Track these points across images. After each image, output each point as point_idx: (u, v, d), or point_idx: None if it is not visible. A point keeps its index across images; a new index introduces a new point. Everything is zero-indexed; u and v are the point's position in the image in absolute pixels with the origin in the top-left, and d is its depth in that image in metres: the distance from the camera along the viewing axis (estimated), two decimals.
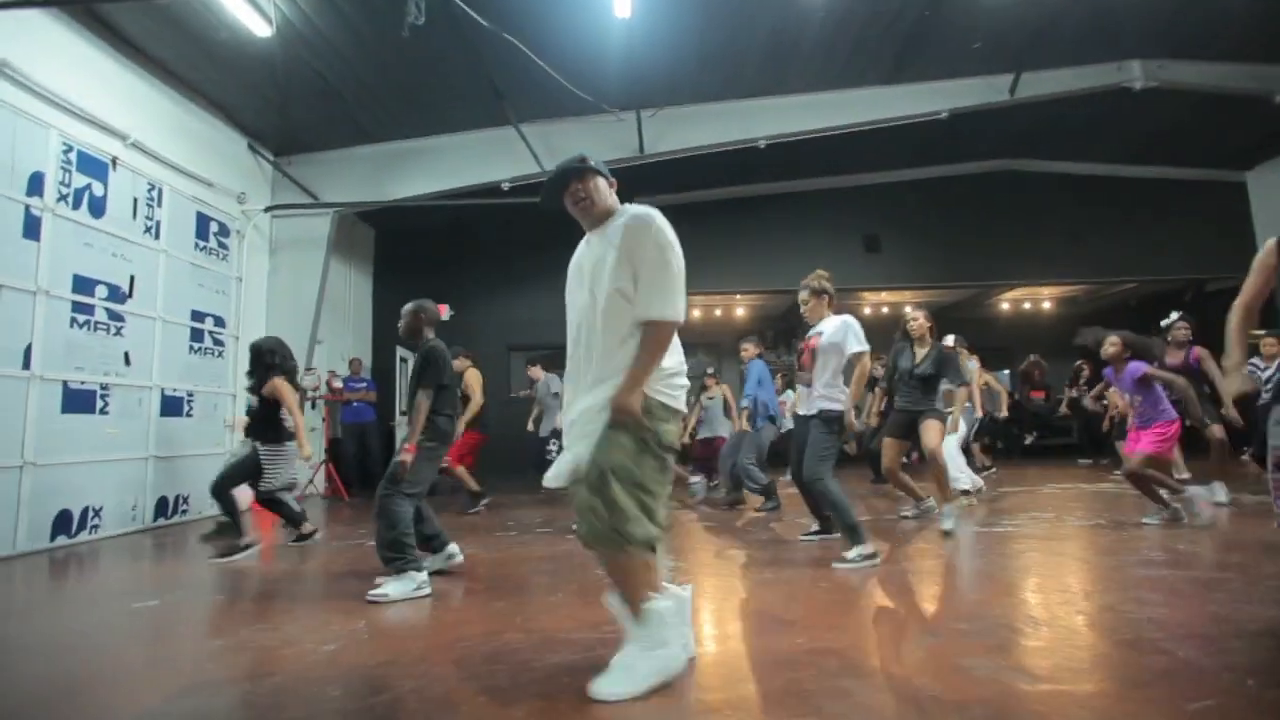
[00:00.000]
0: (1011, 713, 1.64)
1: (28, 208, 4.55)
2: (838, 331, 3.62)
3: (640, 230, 1.88)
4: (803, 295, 3.83)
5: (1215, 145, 8.95)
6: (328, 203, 7.55)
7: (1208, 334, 5.92)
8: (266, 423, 4.24)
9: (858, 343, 3.59)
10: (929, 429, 4.38)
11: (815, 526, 4.07)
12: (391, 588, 2.92)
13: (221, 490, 4.10)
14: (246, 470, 4.18)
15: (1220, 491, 4.61)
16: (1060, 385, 9.97)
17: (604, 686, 1.78)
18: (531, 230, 9.65)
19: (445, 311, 10.09)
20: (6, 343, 4.38)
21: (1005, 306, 11.90)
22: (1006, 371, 12.47)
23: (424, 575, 3.01)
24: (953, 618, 2.50)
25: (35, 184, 4.61)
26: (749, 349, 5.91)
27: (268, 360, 4.27)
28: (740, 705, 1.74)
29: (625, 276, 1.88)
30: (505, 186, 7.57)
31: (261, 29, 5.26)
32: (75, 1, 4.46)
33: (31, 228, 4.58)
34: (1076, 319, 12.62)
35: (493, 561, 3.77)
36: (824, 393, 3.59)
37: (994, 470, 7.46)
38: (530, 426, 7.01)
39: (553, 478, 1.93)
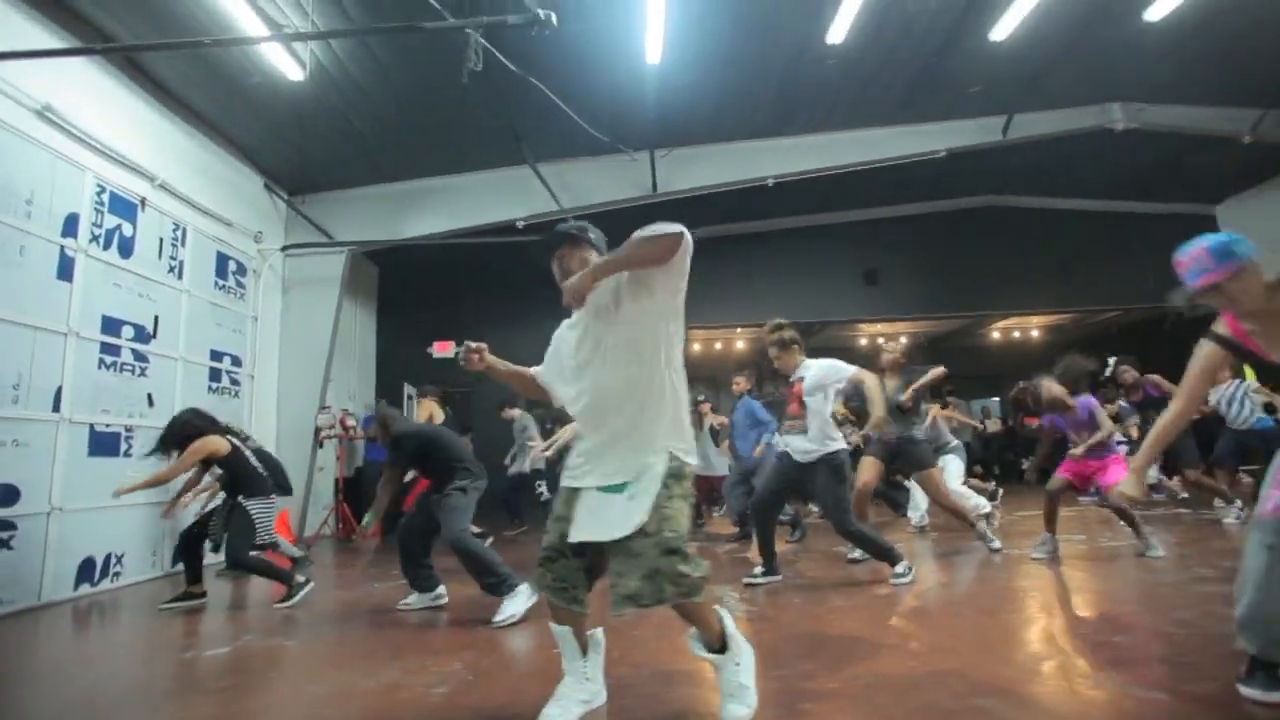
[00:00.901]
0: None
1: (63, 249, 4.50)
2: (820, 372, 3.63)
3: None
4: (771, 351, 3.78)
5: (1188, 181, 9.49)
6: (343, 241, 7.56)
7: (1186, 360, 6.29)
8: (239, 479, 4.08)
9: (845, 368, 3.62)
10: (928, 482, 4.39)
11: (760, 569, 3.87)
12: (513, 606, 3.08)
13: (240, 560, 3.96)
14: (245, 530, 4.00)
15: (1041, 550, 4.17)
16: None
17: (738, 711, 1.83)
18: (543, 269, 9.73)
19: (450, 348, 10.09)
20: (38, 385, 4.28)
21: (996, 335, 12.29)
22: (996, 399, 12.83)
23: (525, 585, 3.15)
24: (1048, 634, 2.57)
25: (70, 225, 4.57)
26: (741, 382, 6.02)
27: (187, 431, 4.03)
28: None
29: (627, 291, 1.86)
30: (520, 225, 7.68)
31: (294, 73, 5.33)
32: (121, 49, 4.49)
33: (65, 269, 4.52)
34: (1062, 345, 13.07)
35: None
36: (820, 438, 3.60)
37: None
38: (507, 462, 7.30)
39: (598, 530, 1.83)
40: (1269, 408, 5.09)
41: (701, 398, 6.91)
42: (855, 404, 5.84)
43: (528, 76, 5.41)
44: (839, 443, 3.63)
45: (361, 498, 7.74)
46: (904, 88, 7.01)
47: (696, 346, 11.77)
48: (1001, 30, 5.45)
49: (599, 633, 2.07)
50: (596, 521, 1.85)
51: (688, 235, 1.78)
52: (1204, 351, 2.05)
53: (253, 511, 4.05)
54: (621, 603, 1.77)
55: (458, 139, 7.12)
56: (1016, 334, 12.25)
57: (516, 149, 7.03)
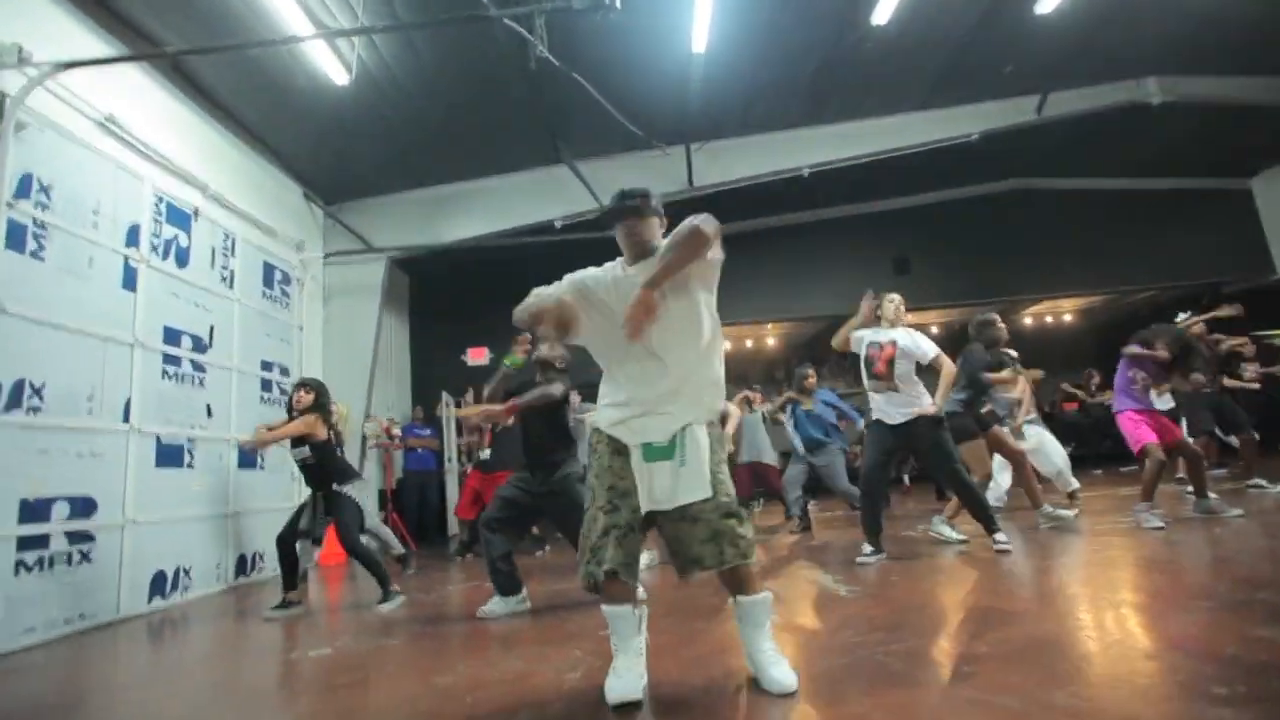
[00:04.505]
0: None
1: (126, 259, 4.50)
2: (910, 341, 3.86)
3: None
4: (890, 306, 4.02)
5: (1221, 155, 9.38)
6: (381, 248, 7.57)
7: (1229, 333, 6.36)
8: (330, 467, 4.03)
9: (929, 348, 3.86)
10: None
11: (869, 548, 3.83)
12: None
13: (355, 548, 3.93)
14: (354, 515, 4.00)
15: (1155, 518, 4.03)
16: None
17: (791, 679, 1.84)
18: (581, 267, 9.71)
19: (484, 355, 10.06)
20: (109, 396, 4.27)
21: (1028, 321, 12.17)
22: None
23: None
24: (1196, 596, 2.48)
25: (133, 236, 4.58)
26: (812, 377, 6.02)
27: (319, 401, 4.09)
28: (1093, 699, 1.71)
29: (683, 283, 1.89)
30: (558, 224, 7.66)
31: (340, 77, 5.32)
32: (175, 53, 4.50)
33: (129, 279, 4.52)
34: (1096, 329, 12.94)
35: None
36: (912, 400, 3.80)
37: None
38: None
39: (664, 498, 1.84)
40: None
41: (756, 387, 6.89)
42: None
43: (572, 73, 5.38)
44: (929, 400, 3.80)
45: (405, 508, 7.70)
46: (938, 69, 6.95)
47: (727, 345, 11.71)
48: (1048, 2, 5.39)
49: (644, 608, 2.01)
50: (660, 489, 1.86)
51: (714, 222, 1.85)
52: None
53: (355, 495, 4.03)
54: (689, 567, 1.85)
55: (493, 140, 7.11)
56: (1049, 319, 12.13)
57: (552, 148, 7.03)
